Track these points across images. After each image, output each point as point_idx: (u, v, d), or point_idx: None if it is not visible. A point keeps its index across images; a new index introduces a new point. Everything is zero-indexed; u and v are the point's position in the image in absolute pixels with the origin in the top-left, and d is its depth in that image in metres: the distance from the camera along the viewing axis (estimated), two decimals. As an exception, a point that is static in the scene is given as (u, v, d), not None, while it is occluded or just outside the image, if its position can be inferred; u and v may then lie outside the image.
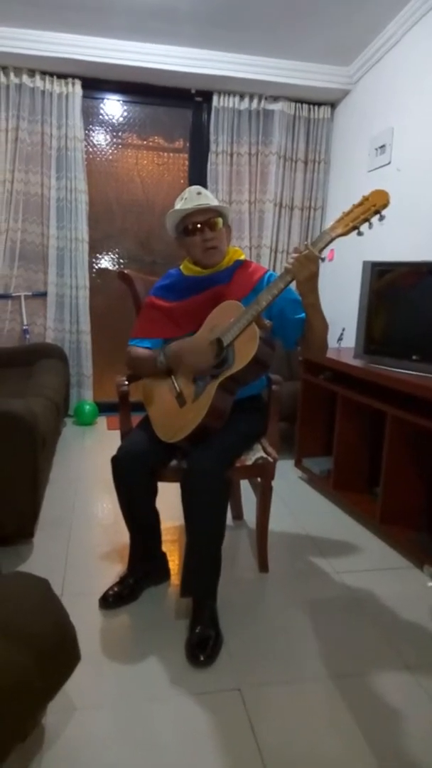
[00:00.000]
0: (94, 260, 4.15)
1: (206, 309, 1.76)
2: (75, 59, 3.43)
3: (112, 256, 4.24)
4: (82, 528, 2.34)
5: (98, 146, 4.06)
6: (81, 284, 3.88)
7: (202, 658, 1.51)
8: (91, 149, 4.01)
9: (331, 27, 3.14)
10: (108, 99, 3.97)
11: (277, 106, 3.90)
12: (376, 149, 3.34)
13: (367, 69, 3.49)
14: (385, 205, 1.44)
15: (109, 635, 1.65)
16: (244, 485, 2.36)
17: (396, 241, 2.98)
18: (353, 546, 2.26)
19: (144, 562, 1.87)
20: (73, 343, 3.98)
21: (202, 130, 4.03)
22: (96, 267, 4.20)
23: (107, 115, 4.03)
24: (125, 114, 4.05)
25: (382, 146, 3.27)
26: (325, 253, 1.52)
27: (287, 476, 2.99)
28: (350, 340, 2.66)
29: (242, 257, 1.89)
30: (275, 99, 3.90)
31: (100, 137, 4.05)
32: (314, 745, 1.27)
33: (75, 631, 1.19)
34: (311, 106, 3.98)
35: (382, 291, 2.37)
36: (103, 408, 4.05)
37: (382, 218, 1.45)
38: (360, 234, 1.47)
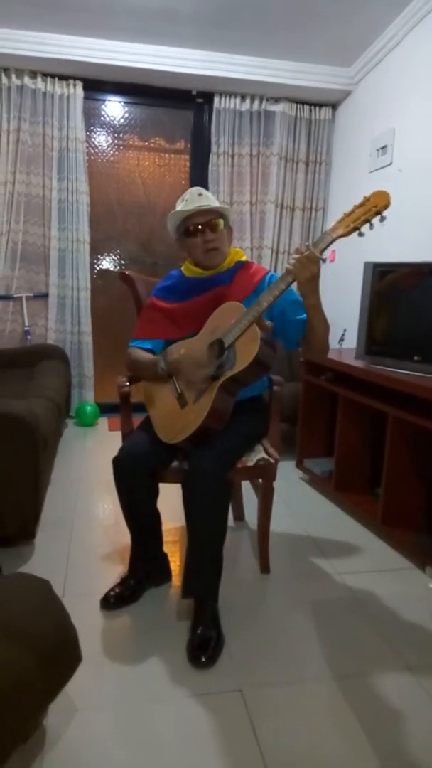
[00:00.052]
0: (95, 261, 4.16)
1: (207, 310, 1.77)
2: (76, 61, 3.44)
3: (113, 257, 4.24)
4: (83, 529, 2.34)
5: (99, 147, 4.07)
6: (82, 285, 3.89)
7: (203, 659, 1.51)
8: (92, 150, 4.02)
9: (332, 28, 3.14)
10: (109, 100, 3.98)
11: (278, 107, 3.90)
12: (378, 150, 3.34)
13: (368, 70, 3.49)
14: (386, 206, 1.44)
15: (110, 636, 1.65)
16: (246, 486, 2.36)
17: (397, 241, 2.97)
18: (355, 547, 2.26)
19: (145, 563, 1.87)
20: (74, 344, 3.98)
21: (204, 131, 4.03)
22: (97, 268, 4.20)
23: (108, 116, 4.03)
24: (126, 115, 4.06)
25: (384, 147, 3.27)
26: (326, 253, 1.53)
27: (288, 477, 2.99)
28: (351, 341, 2.66)
29: (243, 258, 1.89)
30: (276, 100, 3.90)
31: (102, 138, 4.06)
32: (315, 746, 1.27)
33: (76, 632, 1.19)
34: (312, 107, 3.99)
35: (384, 292, 2.37)
36: (105, 409, 4.05)
37: (383, 219, 1.46)
38: (361, 235, 1.47)
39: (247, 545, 2.24)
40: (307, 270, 1.51)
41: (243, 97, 3.87)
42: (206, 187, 3.89)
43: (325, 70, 3.66)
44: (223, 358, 1.63)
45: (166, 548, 1.94)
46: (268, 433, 2.00)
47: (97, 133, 4.04)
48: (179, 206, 1.79)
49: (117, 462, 1.71)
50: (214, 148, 3.92)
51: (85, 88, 3.69)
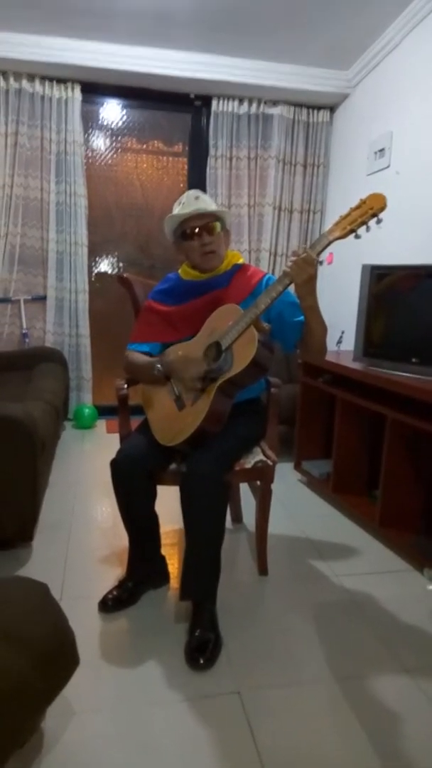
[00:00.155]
0: (93, 264, 4.16)
1: (205, 313, 1.77)
2: (74, 64, 3.44)
3: (111, 260, 4.25)
4: (81, 531, 2.34)
5: (98, 150, 4.07)
6: (80, 288, 3.89)
7: (201, 661, 1.51)
8: (90, 153, 4.02)
9: (330, 31, 3.15)
10: (107, 103, 3.98)
11: (276, 110, 3.91)
12: (375, 153, 3.35)
13: (366, 73, 3.50)
14: (382, 209, 1.45)
15: (108, 639, 1.65)
16: (244, 488, 2.36)
17: (395, 244, 2.98)
18: (352, 549, 2.26)
19: (143, 566, 1.87)
20: (72, 347, 3.98)
21: (202, 134, 4.04)
22: (95, 271, 4.20)
23: (107, 119, 4.04)
24: (124, 118, 4.07)
25: (381, 150, 3.28)
26: (324, 256, 1.53)
27: (286, 479, 2.99)
28: (349, 343, 2.67)
29: (241, 261, 1.90)
30: (274, 103, 3.91)
31: (100, 141, 4.07)
32: (314, 748, 1.27)
33: (74, 635, 1.19)
34: (310, 110, 3.99)
35: (381, 294, 2.38)
36: (103, 411, 4.05)
37: (379, 221, 1.46)
38: (357, 237, 1.48)
39: (245, 547, 2.24)
40: (304, 272, 1.51)
41: (241, 100, 3.88)
42: (204, 189, 3.90)
43: (322, 73, 3.67)
44: (220, 361, 1.63)
45: (164, 551, 1.94)
46: (265, 435, 2.00)
47: (95, 136, 4.04)
48: (176, 209, 1.79)
49: (115, 464, 1.71)
50: (212, 151, 3.92)
51: (83, 91, 3.69)
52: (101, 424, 4.03)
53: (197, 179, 4.07)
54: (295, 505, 2.70)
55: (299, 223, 4.14)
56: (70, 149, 3.71)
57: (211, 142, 3.91)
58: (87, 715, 1.34)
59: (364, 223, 1.47)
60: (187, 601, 1.68)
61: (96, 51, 3.42)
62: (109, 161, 4.12)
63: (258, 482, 1.96)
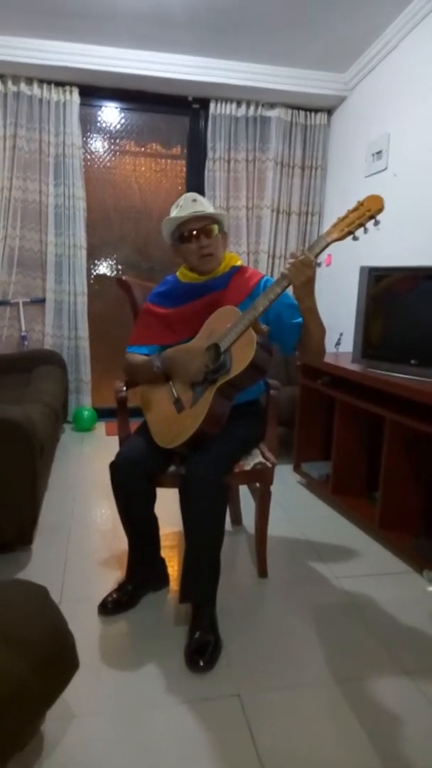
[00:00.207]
0: (92, 267, 4.17)
1: (203, 315, 1.77)
2: (72, 67, 3.45)
3: (109, 262, 4.25)
4: (80, 534, 2.33)
5: (96, 153, 4.08)
6: (79, 290, 3.89)
7: (201, 664, 1.51)
8: (88, 156, 4.03)
9: (327, 34, 3.16)
10: (105, 106, 3.99)
11: (273, 113, 3.92)
12: (373, 155, 3.36)
13: (363, 75, 3.51)
14: (379, 210, 1.45)
15: (107, 642, 1.64)
16: (243, 490, 2.36)
17: (393, 245, 2.99)
18: (352, 551, 2.26)
19: (143, 568, 1.86)
20: (71, 349, 3.98)
21: (200, 136, 4.05)
22: (94, 273, 4.21)
23: (105, 122, 4.05)
24: (123, 121, 4.07)
25: (379, 152, 3.29)
26: (322, 257, 1.54)
27: (286, 481, 2.99)
28: (348, 345, 2.67)
29: (239, 263, 1.90)
30: (272, 106, 3.92)
31: (98, 144, 4.07)
32: (314, 750, 1.27)
33: (73, 638, 1.19)
34: (308, 113, 4.01)
35: (380, 296, 2.38)
36: (102, 414, 4.05)
37: (377, 223, 1.47)
38: (355, 239, 1.49)
39: (244, 549, 2.24)
40: (303, 274, 1.52)
41: (239, 103, 3.89)
42: (202, 192, 3.90)
43: (320, 76, 3.68)
44: (219, 362, 1.63)
45: (163, 553, 1.94)
46: (265, 437, 2.00)
47: (94, 139, 4.05)
48: (174, 212, 1.80)
49: (114, 467, 1.71)
50: (210, 154, 3.93)
51: (81, 95, 3.70)
52: (100, 427, 4.03)
53: (195, 182, 4.07)
54: (295, 507, 2.70)
55: (297, 226, 4.15)
56: (68, 152, 3.72)
57: (209, 144, 3.92)
58: (87, 718, 1.34)
59: (361, 225, 1.47)
60: (186, 603, 1.68)
61: (94, 54, 3.42)
62: (108, 164, 4.12)
63: (257, 484, 1.96)
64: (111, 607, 1.77)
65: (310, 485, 2.94)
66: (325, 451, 2.88)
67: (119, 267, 4.27)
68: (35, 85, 3.62)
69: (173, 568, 2.02)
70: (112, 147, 4.11)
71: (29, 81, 3.61)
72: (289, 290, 1.60)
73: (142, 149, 4.17)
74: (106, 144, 4.09)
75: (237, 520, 2.42)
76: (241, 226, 4.04)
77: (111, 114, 4.04)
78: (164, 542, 1.93)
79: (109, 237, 4.20)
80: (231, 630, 1.67)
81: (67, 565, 2.07)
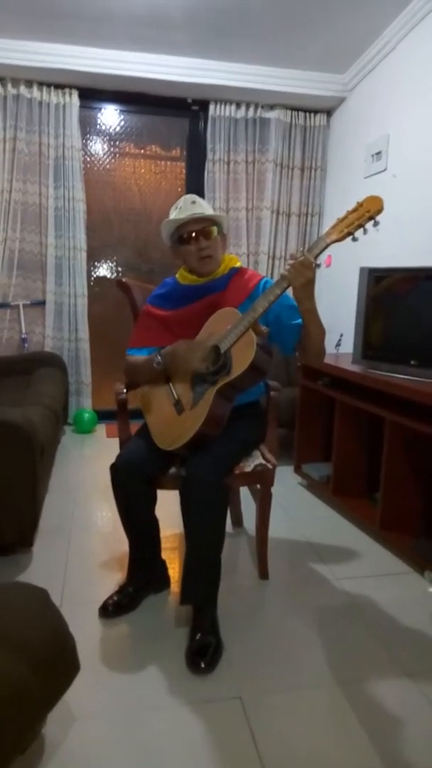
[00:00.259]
0: (92, 269, 4.17)
1: (202, 317, 1.77)
2: (72, 70, 3.46)
3: (109, 264, 4.26)
4: (81, 537, 2.33)
5: (96, 155, 4.08)
6: (79, 292, 3.90)
7: (202, 665, 1.50)
8: (88, 158, 4.03)
9: (326, 35, 3.17)
10: (105, 108, 4.00)
11: (273, 114, 3.92)
12: (372, 156, 3.36)
13: (362, 76, 3.51)
14: (379, 211, 1.45)
15: (108, 644, 1.64)
16: (244, 492, 2.36)
17: (393, 246, 2.99)
18: (353, 552, 2.26)
19: (143, 571, 1.86)
20: (71, 352, 3.99)
21: (199, 138, 4.06)
22: (94, 275, 4.21)
23: (104, 124, 4.05)
24: (122, 123, 4.08)
25: (378, 153, 3.29)
26: (321, 258, 1.54)
27: (286, 482, 2.99)
28: (348, 346, 2.67)
29: (238, 265, 1.90)
30: (271, 107, 3.92)
31: (98, 146, 4.08)
32: (315, 752, 1.27)
33: (74, 640, 1.19)
34: (307, 114, 4.01)
35: (380, 296, 2.38)
36: (102, 416, 4.06)
37: (376, 224, 1.47)
38: (355, 240, 1.49)
39: (245, 551, 2.24)
40: (302, 275, 1.52)
41: (238, 105, 3.90)
42: (202, 194, 3.91)
43: (319, 77, 3.69)
44: (219, 364, 1.63)
45: (164, 555, 1.93)
46: (265, 438, 2.00)
47: (93, 141, 4.06)
48: (173, 214, 1.80)
49: (114, 469, 1.71)
50: (209, 155, 3.94)
51: (80, 97, 3.71)
52: (101, 429, 4.04)
53: (195, 183, 4.07)
54: (296, 508, 2.69)
55: (297, 227, 4.16)
56: (68, 154, 3.72)
57: (209, 146, 3.93)
58: (88, 720, 1.34)
59: (361, 225, 1.47)
60: (187, 605, 1.68)
61: (93, 56, 3.43)
62: (108, 166, 4.13)
63: (258, 486, 1.96)
64: (112, 609, 1.77)
65: (311, 486, 2.94)
66: (326, 452, 2.88)
67: (119, 269, 4.27)
68: (35, 88, 3.62)
69: (174, 570, 2.02)
70: (112, 149, 4.11)
71: (29, 84, 3.61)
72: (289, 291, 1.60)
73: (142, 151, 4.18)
74: (105, 146, 4.09)
75: (238, 521, 2.42)
76: (240, 227, 4.04)
77: (110, 116, 4.04)
78: (165, 544, 1.93)
79: (109, 239, 4.20)
80: (232, 632, 1.67)
81: (68, 568, 2.07)
